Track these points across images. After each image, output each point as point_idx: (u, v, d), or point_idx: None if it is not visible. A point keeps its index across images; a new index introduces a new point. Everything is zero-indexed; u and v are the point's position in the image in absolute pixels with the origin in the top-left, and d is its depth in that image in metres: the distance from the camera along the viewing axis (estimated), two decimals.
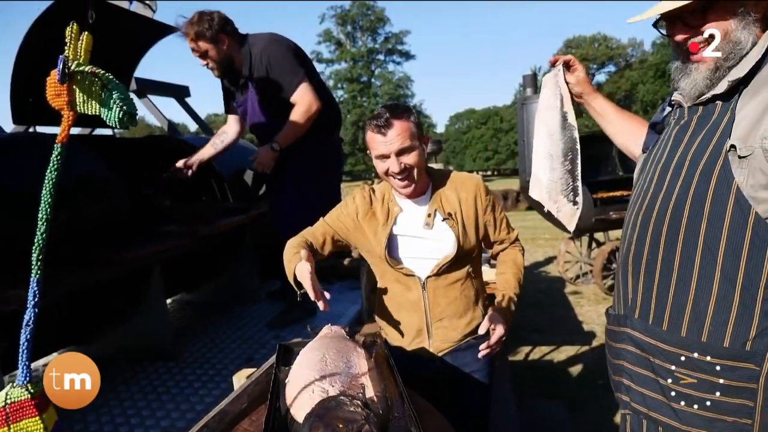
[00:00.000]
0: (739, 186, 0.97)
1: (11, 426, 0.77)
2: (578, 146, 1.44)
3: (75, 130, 2.52)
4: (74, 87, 0.76)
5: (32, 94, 2.32)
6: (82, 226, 2.20)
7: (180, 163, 2.93)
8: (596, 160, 5.89)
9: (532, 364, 4.13)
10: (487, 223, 1.62)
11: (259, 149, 2.78)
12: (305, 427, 0.92)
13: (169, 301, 3.33)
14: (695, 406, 1.02)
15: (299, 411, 1.00)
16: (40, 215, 0.74)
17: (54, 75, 0.75)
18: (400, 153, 1.46)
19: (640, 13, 1.12)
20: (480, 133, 51.78)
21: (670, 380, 1.05)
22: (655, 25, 1.14)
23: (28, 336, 0.77)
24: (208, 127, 4.64)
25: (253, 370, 1.47)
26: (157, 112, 4.05)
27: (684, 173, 1.06)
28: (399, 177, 1.48)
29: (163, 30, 2.91)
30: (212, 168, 3.27)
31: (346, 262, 3.56)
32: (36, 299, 0.77)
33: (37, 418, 0.79)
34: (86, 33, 0.76)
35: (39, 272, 0.76)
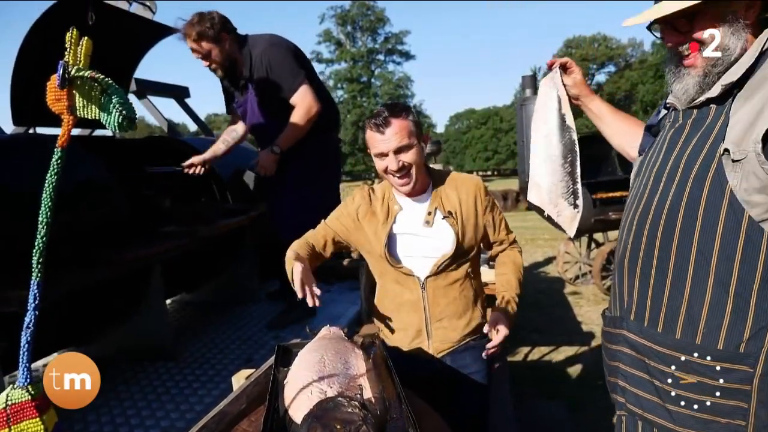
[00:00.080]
0: (732, 189, 0.98)
1: (12, 427, 0.77)
2: (577, 148, 1.45)
3: (75, 131, 2.52)
4: (74, 92, 0.77)
5: (32, 95, 2.32)
6: (82, 227, 2.20)
7: (196, 159, 2.95)
8: (596, 161, 5.90)
9: (531, 365, 4.13)
10: (486, 223, 1.63)
11: (260, 153, 2.79)
12: (303, 428, 0.93)
13: (168, 301, 3.34)
14: (695, 407, 1.03)
15: (297, 412, 1.01)
16: (40, 219, 0.74)
17: (54, 80, 0.75)
18: (398, 151, 1.48)
19: (639, 14, 1.13)
20: (480, 133, 51.80)
21: (670, 380, 1.06)
22: (650, 28, 1.15)
23: (29, 338, 0.78)
24: (207, 128, 4.65)
25: (252, 370, 1.47)
26: (156, 113, 4.06)
27: (678, 177, 1.07)
28: (398, 175, 1.50)
29: (162, 31, 2.91)
30: (212, 169, 3.28)
31: (345, 262, 3.57)
32: (36, 302, 0.78)
33: (38, 419, 0.79)
34: (86, 38, 0.76)
35: (39, 275, 0.77)
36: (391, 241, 1.57)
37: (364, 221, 1.60)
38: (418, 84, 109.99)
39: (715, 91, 1.04)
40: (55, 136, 0.79)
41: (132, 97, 3.82)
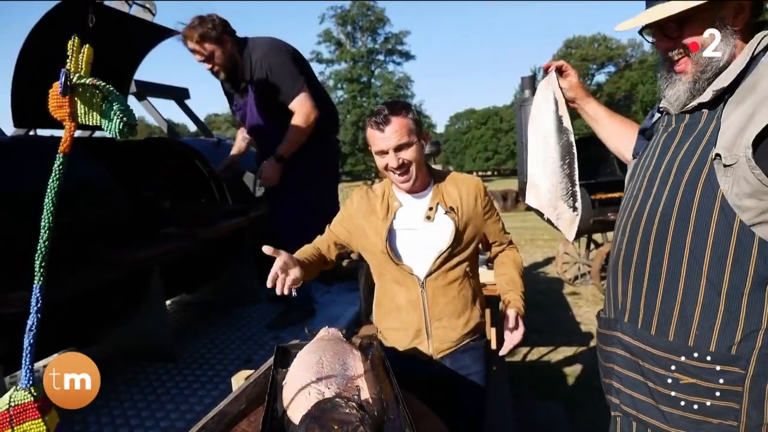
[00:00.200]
0: (724, 194, 0.99)
1: (15, 428, 0.79)
2: (575, 150, 1.45)
3: (75, 133, 2.53)
4: (76, 99, 0.78)
5: (33, 97, 2.33)
6: (82, 228, 2.21)
7: (228, 161, 3.22)
8: (595, 162, 5.91)
9: (530, 365, 4.15)
10: (486, 222, 1.65)
11: (263, 164, 2.84)
12: (301, 429, 0.94)
13: (168, 302, 3.35)
14: (695, 407, 1.04)
15: (296, 412, 1.02)
16: (42, 223, 0.76)
17: (56, 87, 0.77)
18: (398, 149, 1.49)
19: (631, 18, 1.14)
20: (480, 133, 51.80)
21: (670, 380, 1.07)
22: (641, 33, 1.16)
23: (31, 341, 0.79)
24: (207, 129, 4.66)
25: (251, 371, 1.48)
26: (156, 114, 4.07)
27: (671, 181, 1.08)
28: (398, 172, 1.52)
29: (162, 33, 2.92)
30: (212, 170, 3.30)
31: (344, 263, 3.58)
32: (39, 305, 0.79)
33: (40, 420, 0.81)
34: (87, 46, 0.78)
35: (42, 279, 0.78)
36: (391, 237, 1.58)
37: (363, 221, 1.61)
38: (418, 84, 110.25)
39: (706, 96, 1.05)
40: (56, 138, 0.81)
41: (132, 99, 3.84)
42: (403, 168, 1.51)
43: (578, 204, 1.45)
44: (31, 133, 2.86)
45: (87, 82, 0.77)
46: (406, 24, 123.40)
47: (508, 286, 1.67)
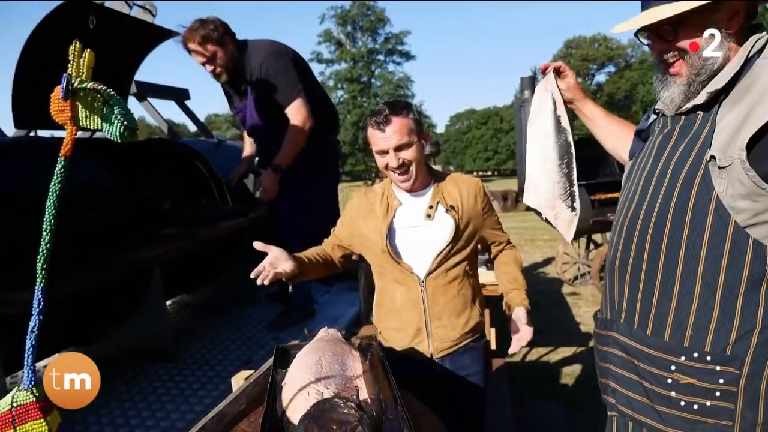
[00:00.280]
0: (719, 195, 0.99)
1: (17, 428, 0.79)
2: (573, 150, 1.46)
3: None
4: (77, 103, 0.79)
5: (34, 98, 2.34)
6: (82, 228, 2.22)
7: (243, 168, 3.23)
8: (594, 162, 5.92)
9: (529, 365, 4.15)
10: (485, 222, 1.66)
11: (262, 177, 2.87)
12: (300, 429, 0.94)
13: (169, 302, 3.36)
14: (695, 407, 1.04)
15: (295, 413, 1.03)
16: (44, 226, 0.77)
17: (58, 92, 0.78)
18: (398, 149, 1.50)
19: (626, 21, 1.15)
20: (480, 133, 51.81)
21: (669, 380, 1.07)
22: (637, 35, 1.17)
23: (33, 342, 0.80)
24: (207, 129, 4.67)
25: (251, 371, 1.49)
26: (157, 115, 4.09)
27: (667, 182, 1.09)
28: (398, 172, 1.53)
29: (162, 34, 2.93)
30: (212, 171, 3.31)
31: None
32: (40, 307, 0.80)
33: (42, 420, 0.81)
34: (88, 50, 0.79)
35: (44, 281, 0.79)
36: (391, 235, 1.59)
37: (363, 221, 1.63)
38: (419, 84, 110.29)
39: (701, 98, 1.06)
40: (56, 139, 0.82)
41: (132, 99, 3.85)
42: (404, 168, 1.53)
43: (577, 204, 1.45)
44: (32, 134, 2.87)
45: (88, 86, 0.78)
46: (406, 24, 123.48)
47: (511, 284, 1.68)
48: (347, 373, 1.16)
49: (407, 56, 47.52)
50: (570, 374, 3.89)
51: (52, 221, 0.77)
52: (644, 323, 1.13)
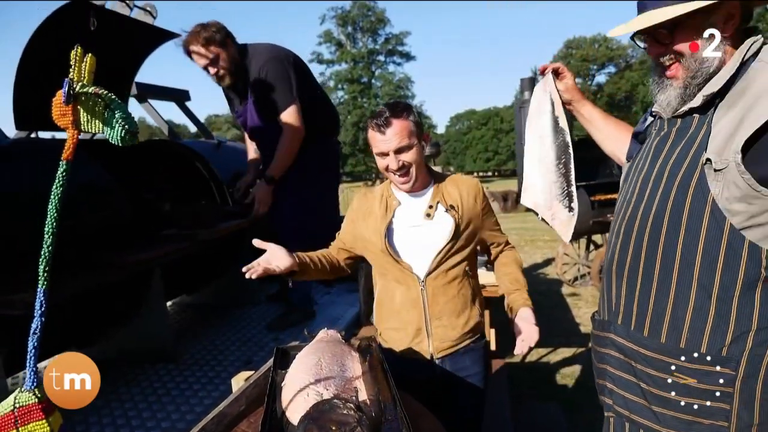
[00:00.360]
0: (714, 198, 1.00)
1: (19, 429, 0.80)
2: (571, 150, 1.46)
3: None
4: (78, 107, 0.80)
5: (35, 99, 2.35)
6: (83, 230, 2.23)
7: (249, 178, 3.20)
8: (594, 163, 5.92)
9: (529, 366, 4.15)
10: (484, 222, 1.66)
11: (255, 189, 2.91)
12: (300, 429, 0.95)
13: (169, 303, 3.36)
14: (695, 407, 1.05)
15: (294, 414, 1.04)
16: (46, 228, 0.77)
17: (59, 96, 0.79)
18: (398, 151, 1.51)
19: (630, 20, 1.15)
20: (480, 133, 51.84)
21: (669, 381, 1.08)
22: (633, 38, 1.18)
23: (36, 343, 0.81)
24: (207, 131, 4.68)
25: (251, 372, 1.50)
26: (157, 116, 4.10)
27: (663, 185, 1.09)
28: (398, 173, 1.54)
29: (163, 36, 2.94)
30: (212, 172, 3.31)
31: None
32: (42, 309, 0.81)
33: (44, 421, 0.82)
34: (90, 55, 0.79)
35: (45, 283, 0.80)
36: (390, 235, 1.60)
37: (363, 222, 1.64)
38: (419, 85, 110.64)
39: (697, 101, 1.07)
40: (57, 141, 0.82)
41: (133, 101, 3.86)
42: (404, 170, 1.54)
43: (574, 204, 1.45)
44: (33, 135, 2.88)
45: (89, 90, 0.79)
46: (406, 25, 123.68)
47: (513, 285, 1.69)
48: (347, 374, 1.16)
49: (407, 57, 47.56)
50: (569, 375, 3.89)
51: (54, 224, 0.77)
52: (641, 325, 1.13)
